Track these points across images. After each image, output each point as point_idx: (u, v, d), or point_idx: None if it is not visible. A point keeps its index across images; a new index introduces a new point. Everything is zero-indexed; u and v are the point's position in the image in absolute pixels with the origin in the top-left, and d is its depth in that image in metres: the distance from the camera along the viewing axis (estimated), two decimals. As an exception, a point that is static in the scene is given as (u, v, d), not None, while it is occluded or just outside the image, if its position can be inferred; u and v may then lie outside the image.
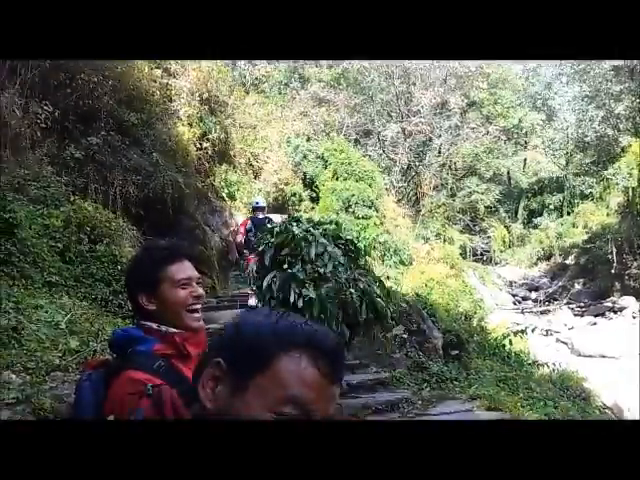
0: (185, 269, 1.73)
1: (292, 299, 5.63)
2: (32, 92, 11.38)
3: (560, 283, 23.73)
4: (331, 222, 7.35)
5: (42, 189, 9.85)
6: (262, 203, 8.63)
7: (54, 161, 11.22)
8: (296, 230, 6.28)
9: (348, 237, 7.09)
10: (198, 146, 15.39)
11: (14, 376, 3.81)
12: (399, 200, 26.57)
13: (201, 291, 1.75)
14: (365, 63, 27.39)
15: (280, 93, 27.02)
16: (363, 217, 19.71)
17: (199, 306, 1.75)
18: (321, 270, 5.87)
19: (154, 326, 1.64)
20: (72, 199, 10.25)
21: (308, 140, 23.53)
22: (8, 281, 7.02)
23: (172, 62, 15.70)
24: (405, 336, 8.36)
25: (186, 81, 15.50)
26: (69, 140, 11.99)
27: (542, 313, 21.28)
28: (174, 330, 1.66)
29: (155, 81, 14.96)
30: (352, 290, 5.91)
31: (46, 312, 5.90)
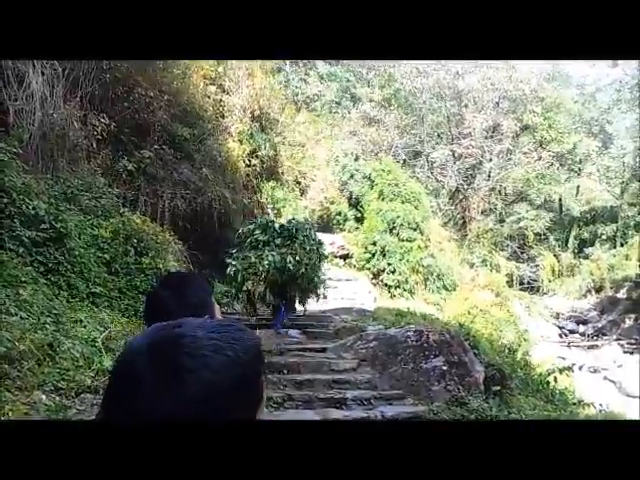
0: None
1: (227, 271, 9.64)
2: (91, 105, 11.76)
3: (610, 317, 22.81)
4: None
5: (94, 200, 10.11)
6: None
7: (107, 172, 11.54)
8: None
9: (278, 225, 9.83)
10: (247, 162, 15.58)
11: (44, 397, 3.81)
12: (445, 223, 26.22)
13: None
14: (417, 84, 27.30)
15: (331, 112, 27.18)
16: (407, 239, 19.49)
17: None
18: (245, 253, 9.45)
19: None
20: (122, 211, 10.49)
21: (356, 159, 23.53)
22: (54, 290, 7.18)
23: (227, 79, 16.02)
24: (445, 368, 8.12)
25: (239, 98, 15.75)
26: (123, 152, 12.33)
27: (589, 348, 20.47)
28: None
29: (209, 97, 15.27)
30: (266, 262, 9.00)
31: (84, 327, 5.96)
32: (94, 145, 11.46)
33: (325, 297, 10.51)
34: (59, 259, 7.72)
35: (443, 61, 26.27)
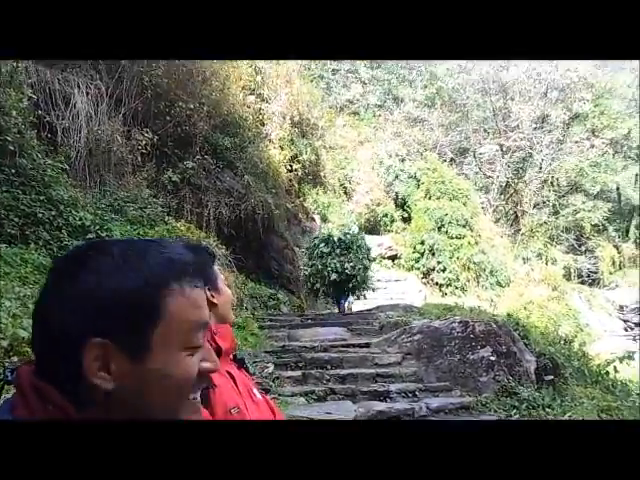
0: None
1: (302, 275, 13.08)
2: (135, 120, 12.18)
3: (678, 308, 21.64)
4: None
5: (139, 210, 10.42)
6: None
7: (152, 184, 11.89)
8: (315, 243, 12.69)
9: (337, 237, 12.30)
10: (289, 168, 15.73)
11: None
12: (497, 220, 25.62)
13: None
14: (460, 80, 26.92)
15: (375, 116, 27.09)
16: (457, 237, 19.17)
17: None
18: (314, 261, 12.19)
19: None
20: (167, 219, 10.78)
21: (402, 161, 23.35)
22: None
23: (265, 88, 16.25)
24: (493, 358, 7.89)
25: (278, 105, 15.95)
26: (167, 164, 12.69)
27: (657, 340, 19.47)
28: None
29: (248, 106, 15.53)
30: (329, 268, 11.72)
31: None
32: (139, 159, 11.84)
33: (365, 297, 13.00)
34: (105, 267, 7.98)
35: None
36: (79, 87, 11.13)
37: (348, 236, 12.38)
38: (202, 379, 0.84)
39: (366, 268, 12.23)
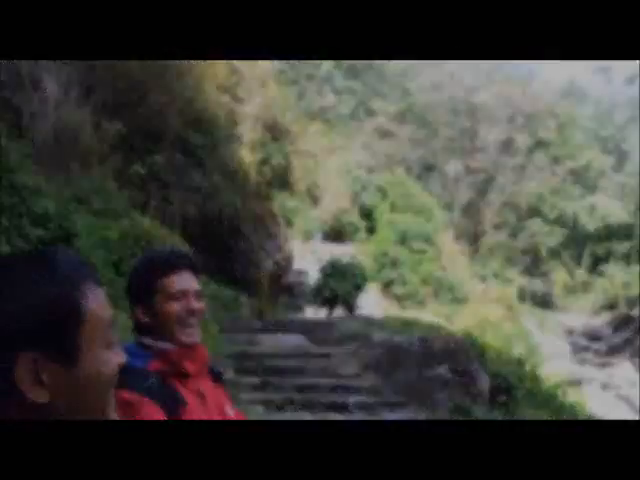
0: (182, 281, 1.62)
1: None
2: (105, 110, 11.90)
3: (624, 335, 22.48)
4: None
5: (104, 202, 10.19)
6: None
7: (118, 176, 11.63)
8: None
9: (344, 262, 14.64)
10: (258, 170, 15.65)
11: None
12: (458, 237, 26.11)
13: (198, 305, 1.63)
14: (431, 98, 27.38)
15: (346, 125, 27.28)
16: (418, 251, 19.43)
17: (194, 321, 1.62)
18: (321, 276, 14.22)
19: (150, 341, 1.57)
20: (131, 214, 10.56)
21: (370, 172, 23.57)
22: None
23: (240, 88, 16.16)
24: (449, 376, 8.03)
25: (252, 107, 15.87)
26: (135, 157, 12.44)
27: (602, 365, 20.16)
28: (170, 346, 1.56)
29: (222, 106, 15.39)
30: (326, 287, 13.89)
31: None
32: (106, 149, 11.58)
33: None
34: (66, 258, 7.76)
35: (456, 76, 26.39)
36: (49, 71, 10.84)
37: (348, 262, 14.84)
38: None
39: (356, 292, 14.37)
